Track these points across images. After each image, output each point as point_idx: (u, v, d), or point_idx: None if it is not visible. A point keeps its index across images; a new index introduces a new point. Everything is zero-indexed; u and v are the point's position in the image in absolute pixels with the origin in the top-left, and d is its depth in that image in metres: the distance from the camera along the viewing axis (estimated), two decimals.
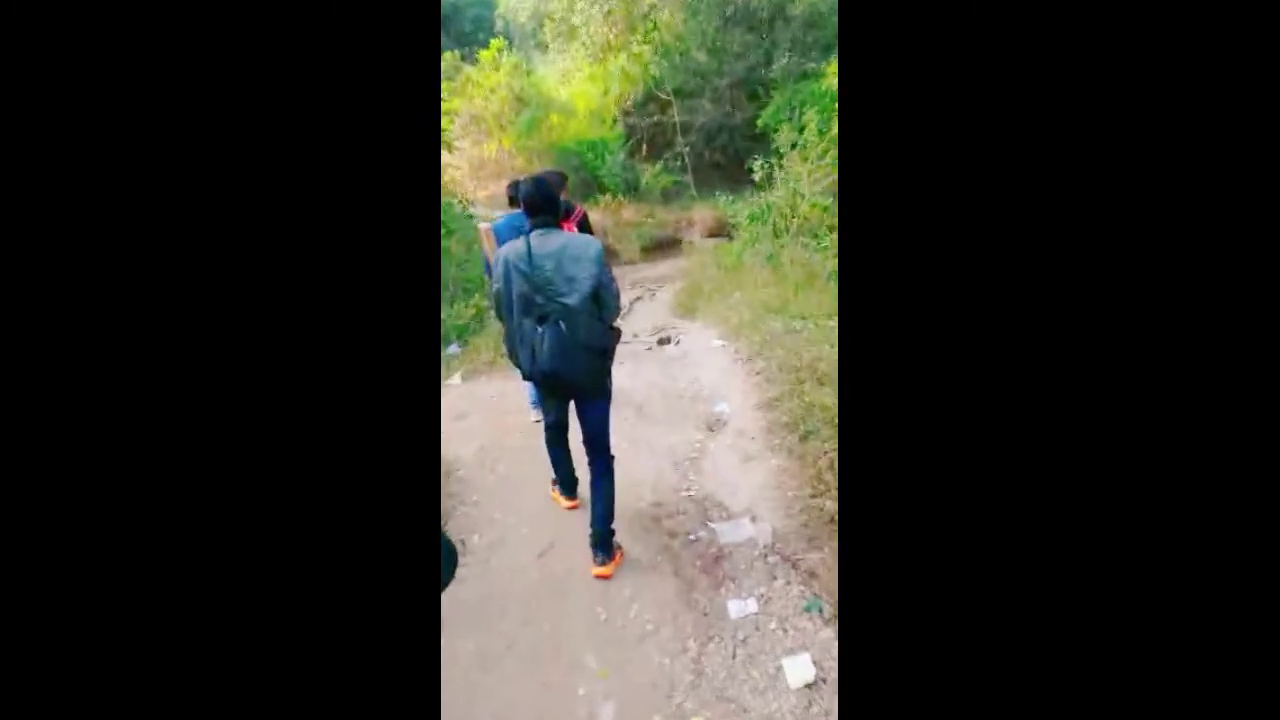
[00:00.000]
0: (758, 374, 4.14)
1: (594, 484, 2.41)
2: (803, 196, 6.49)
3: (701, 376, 4.30)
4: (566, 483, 2.79)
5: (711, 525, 2.64)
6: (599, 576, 2.40)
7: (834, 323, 4.57)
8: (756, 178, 7.06)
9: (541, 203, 2.23)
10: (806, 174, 6.41)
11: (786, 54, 12.86)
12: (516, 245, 2.22)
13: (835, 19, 13.45)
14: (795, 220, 6.42)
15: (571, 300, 2.13)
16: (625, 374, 4.45)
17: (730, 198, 7.26)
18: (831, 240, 5.87)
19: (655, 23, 13.06)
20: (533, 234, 2.22)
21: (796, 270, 5.73)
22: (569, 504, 2.84)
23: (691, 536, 2.58)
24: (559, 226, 2.26)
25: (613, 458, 2.41)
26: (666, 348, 5.18)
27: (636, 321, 6.46)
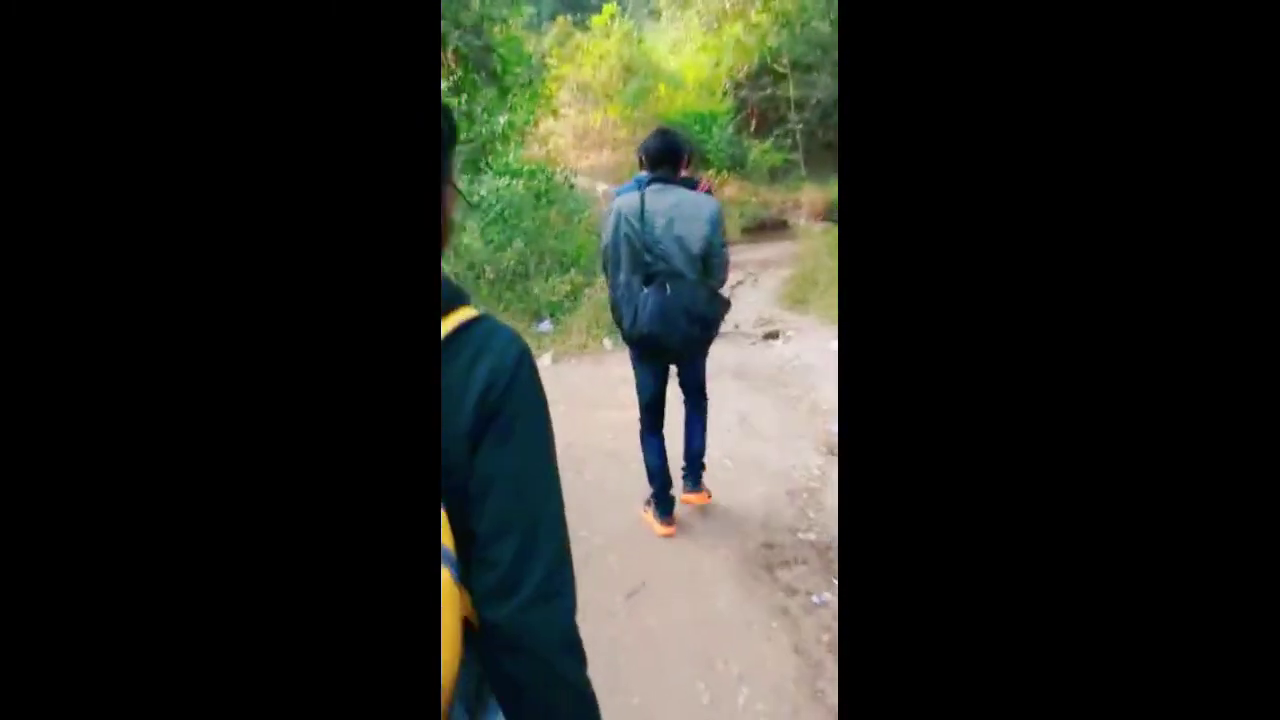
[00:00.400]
0: None
1: (689, 419, 2.41)
2: None
3: (819, 385, 3.72)
4: (662, 498, 2.38)
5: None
6: (686, 501, 2.44)
7: None
8: None
9: (665, 154, 2.13)
10: None
11: None
12: (630, 198, 2.11)
13: None
14: None
15: (678, 262, 2.05)
16: (728, 374, 3.94)
17: None
18: None
19: None
20: (649, 188, 2.10)
21: None
22: (664, 530, 2.40)
23: (815, 599, 2.07)
24: (678, 183, 2.13)
25: (706, 399, 2.43)
26: (775, 344, 4.61)
27: (738, 310, 5.89)
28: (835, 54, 13.08)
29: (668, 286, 2.04)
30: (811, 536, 2.39)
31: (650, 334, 2.07)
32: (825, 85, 12.98)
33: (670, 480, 2.39)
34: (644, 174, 2.18)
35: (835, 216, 10.79)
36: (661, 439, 2.38)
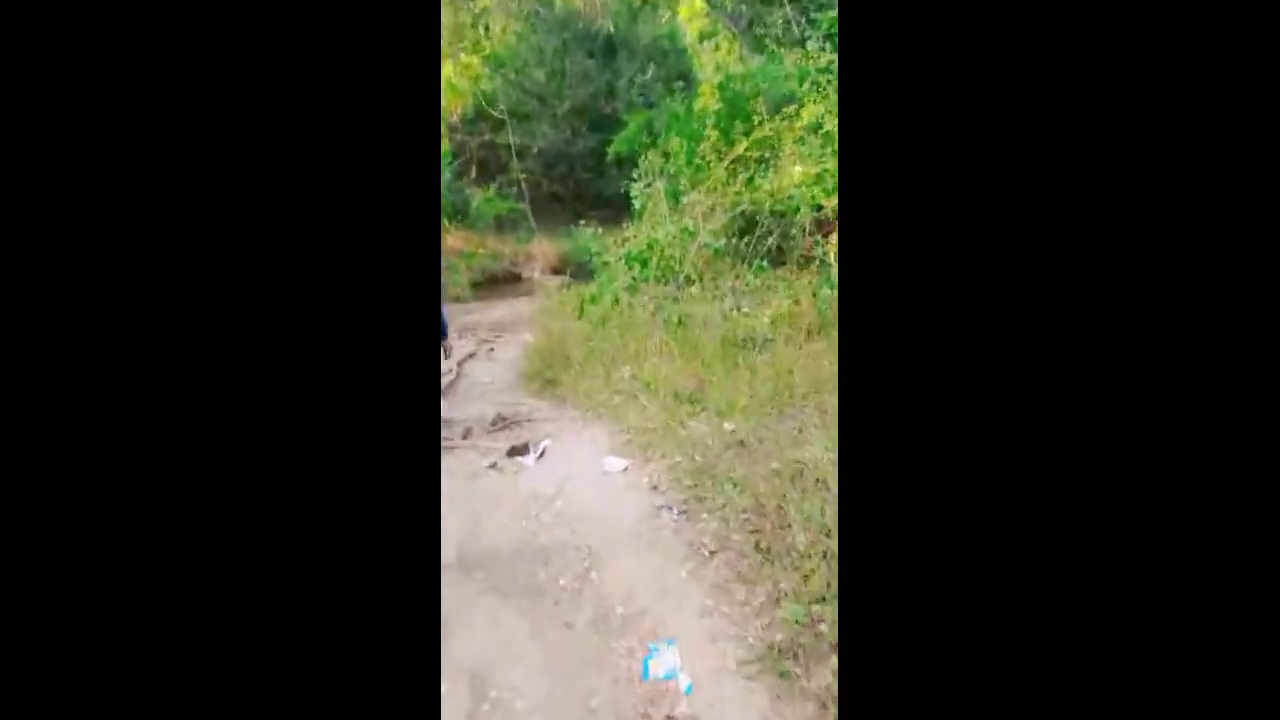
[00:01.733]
0: (711, 551, 2.07)
1: None
2: (692, 235, 4.65)
3: (606, 557, 2.13)
4: None
5: None
6: None
7: (798, 431, 2.69)
8: (636, 205, 5.11)
9: None
10: (703, 207, 4.57)
11: (632, 83, 11.30)
12: None
13: (677, 57, 12.26)
14: (686, 265, 4.54)
15: None
16: (453, 561, 2.14)
17: (599, 230, 5.27)
18: (742, 293, 4.06)
19: (487, 27, 10.76)
20: None
21: (705, 334, 3.82)
22: None
23: None
24: None
25: None
26: (524, 464, 2.93)
27: (469, 403, 4.11)
28: (553, 105, 12.24)
29: None
30: None
31: None
32: (545, 135, 12.00)
33: None
34: None
35: (570, 270, 9.69)
36: None
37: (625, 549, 2.14)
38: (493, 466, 2.91)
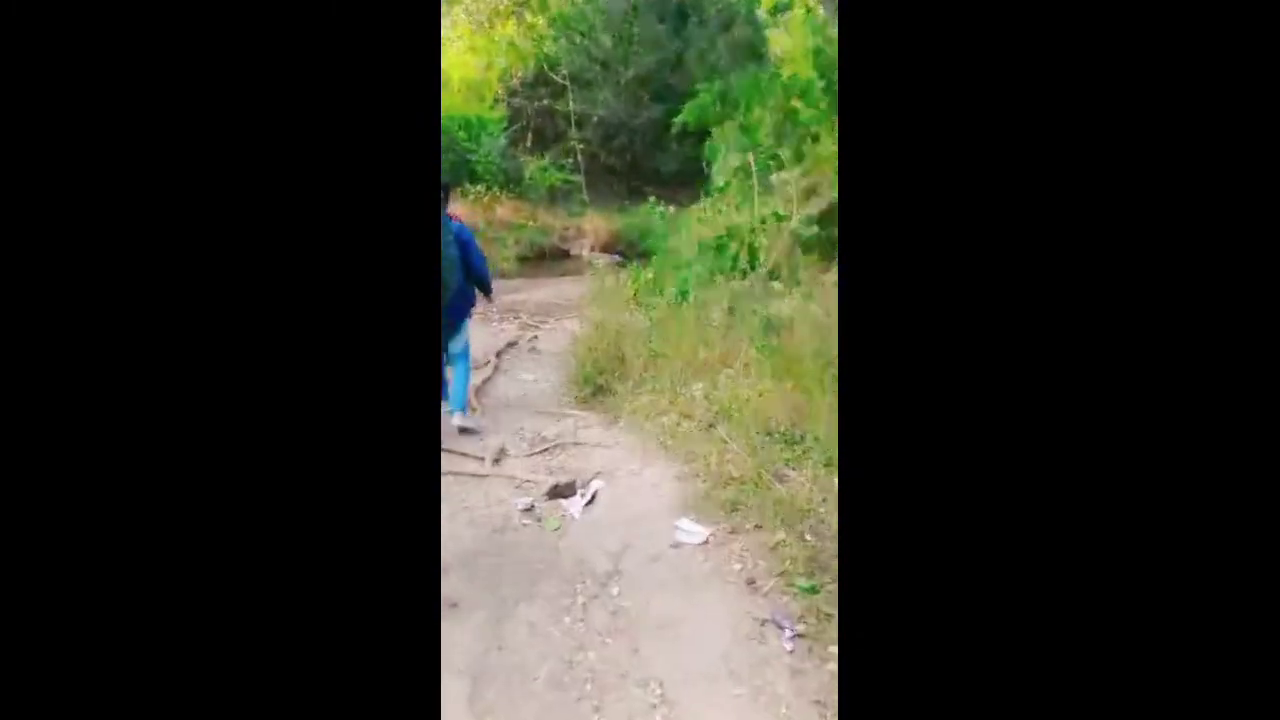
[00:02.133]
0: None
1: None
2: (783, 219, 3.81)
3: (682, 695, 1.39)
4: None
5: None
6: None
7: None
8: (719, 181, 4.29)
9: None
10: (797, 188, 3.72)
11: (705, 52, 10.32)
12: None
13: (751, 27, 11.18)
14: (773, 255, 3.72)
15: None
16: (475, 633, 1.44)
17: (664, 208, 4.48)
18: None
19: None
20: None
21: (798, 341, 3.02)
22: None
23: None
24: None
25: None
26: (570, 511, 2.22)
27: (503, 403, 3.42)
28: (618, 72, 11.38)
29: None
30: None
31: None
32: (607, 103, 11.15)
33: None
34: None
35: (620, 249, 8.93)
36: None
37: (714, 694, 1.40)
38: (529, 511, 2.21)
